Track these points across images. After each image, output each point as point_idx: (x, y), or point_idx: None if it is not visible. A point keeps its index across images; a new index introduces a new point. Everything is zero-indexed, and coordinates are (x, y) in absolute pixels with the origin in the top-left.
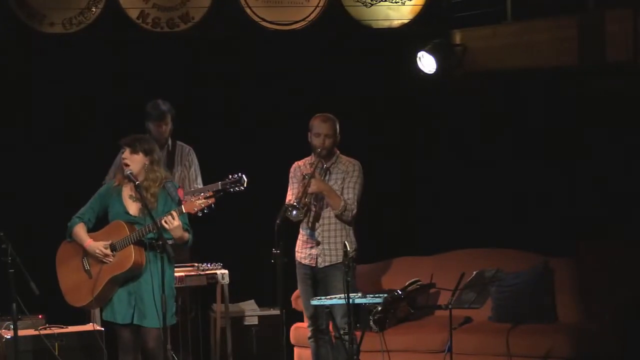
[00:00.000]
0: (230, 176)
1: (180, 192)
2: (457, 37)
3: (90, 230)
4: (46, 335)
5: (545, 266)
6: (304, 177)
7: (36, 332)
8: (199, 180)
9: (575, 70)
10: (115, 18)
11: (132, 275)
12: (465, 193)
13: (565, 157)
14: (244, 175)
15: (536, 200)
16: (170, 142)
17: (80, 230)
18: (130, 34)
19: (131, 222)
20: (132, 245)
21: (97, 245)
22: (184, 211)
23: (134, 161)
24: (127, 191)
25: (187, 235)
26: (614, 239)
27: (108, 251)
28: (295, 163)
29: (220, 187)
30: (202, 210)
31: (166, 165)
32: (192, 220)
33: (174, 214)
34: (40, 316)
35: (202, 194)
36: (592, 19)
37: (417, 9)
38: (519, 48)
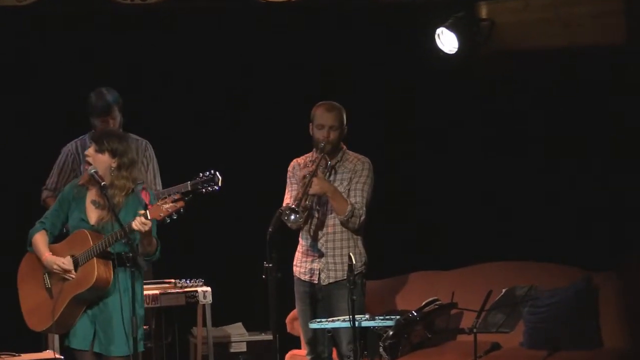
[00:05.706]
0: (201, 174)
1: (145, 195)
2: (483, 11)
3: (59, 238)
4: None
5: (587, 282)
6: (304, 176)
7: None
8: (158, 180)
9: (621, 50)
10: None
11: (97, 294)
12: (492, 195)
13: (611, 152)
14: (217, 173)
15: (577, 204)
16: None
17: (39, 240)
18: (95, 6)
19: (95, 231)
20: (95, 259)
21: (54, 260)
22: (149, 217)
23: (98, 161)
24: (91, 195)
25: (155, 245)
26: None
27: (69, 266)
28: (294, 160)
29: (190, 188)
30: (169, 215)
31: None
32: (165, 228)
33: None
34: None
35: (169, 196)
36: None
37: None
38: (555, 23)
